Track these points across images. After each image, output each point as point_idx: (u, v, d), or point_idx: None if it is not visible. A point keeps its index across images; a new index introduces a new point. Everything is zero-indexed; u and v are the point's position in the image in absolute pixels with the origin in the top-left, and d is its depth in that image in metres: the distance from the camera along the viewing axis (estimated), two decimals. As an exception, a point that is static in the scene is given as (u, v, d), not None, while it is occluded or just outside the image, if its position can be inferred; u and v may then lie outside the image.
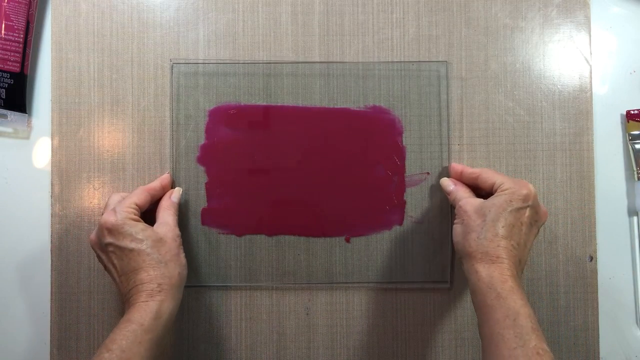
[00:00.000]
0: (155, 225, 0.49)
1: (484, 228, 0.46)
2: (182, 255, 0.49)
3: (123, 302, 0.47)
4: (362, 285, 0.56)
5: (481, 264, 0.45)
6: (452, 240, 0.55)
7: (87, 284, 0.55)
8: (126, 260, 0.46)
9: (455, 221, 0.49)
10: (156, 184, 0.53)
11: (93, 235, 0.48)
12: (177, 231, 0.50)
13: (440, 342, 0.56)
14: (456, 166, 0.54)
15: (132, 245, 0.46)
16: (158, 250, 0.47)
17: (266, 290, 0.56)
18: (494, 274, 0.44)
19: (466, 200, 0.49)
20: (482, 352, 0.43)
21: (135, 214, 0.48)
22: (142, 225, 0.48)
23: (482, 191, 0.51)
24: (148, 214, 0.51)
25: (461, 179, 0.53)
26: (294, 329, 0.56)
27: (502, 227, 0.45)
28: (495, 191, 0.48)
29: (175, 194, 0.53)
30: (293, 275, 0.55)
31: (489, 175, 0.50)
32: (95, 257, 0.54)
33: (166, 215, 0.51)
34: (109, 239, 0.47)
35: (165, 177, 0.54)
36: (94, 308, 0.55)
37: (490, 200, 0.47)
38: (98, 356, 0.42)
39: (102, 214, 0.49)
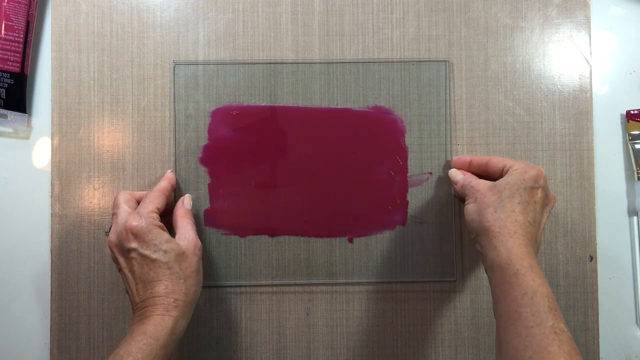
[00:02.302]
0: (177, 237, 0.49)
1: (500, 203, 0.46)
2: (201, 271, 0.49)
3: (133, 309, 0.46)
4: (362, 285, 0.56)
5: (499, 239, 0.44)
6: (455, 239, 0.55)
7: (87, 284, 0.55)
8: (146, 270, 0.46)
9: (467, 201, 0.49)
10: (166, 184, 0.52)
11: (113, 237, 0.47)
12: (198, 243, 0.49)
13: (440, 342, 0.56)
14: (463, 157, 0.54)
15: (155, 255, 0.46)
16: (179, 265, 0.46)
17: (266, 290, 0.56)
18: (513, 249, 0.43)
19: (478, 181, 0.50)
20: (497, 332, 0.42)
21: (159, 220, 0.48)
22: (167, 235, 0.47)
23: (491, 178, 0.51)
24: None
25: (469, 169, 0.53)
26: (294, 329, 0.56)
27: (518, 203, 0.46)
28: (506, 173, 0.48)
29: (187, 200, 0.53)
30: (293, 275, 0.55)
31: (499, 159, 0.51)
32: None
33: (185, 224, 0.50)
34: (133, 244, 0.46)
35: (171, 177, 0.54)
36: (94, 308, 0.55)
37: (504, 179, 0.48)
38: None
39: (116, 214, 0.48)
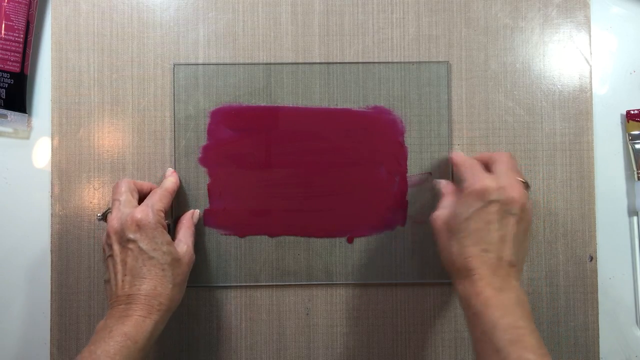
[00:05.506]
0: (176, 242, 0.49)
1: (450, 244, 0.45)
2: (185, 284, 0.49)
3: (112, 301, 0.45)
4: (362, 285, 0.56)
5: (458, 282, 0.44)
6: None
7: (87, 284, 0.55)
8: (140, 264, 0.45)
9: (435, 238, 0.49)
10: (174, 186, 0.52)
11: (116, 223, 0.46)
12: (193, 257, 0.50)
13: (440, 342, 0.56)
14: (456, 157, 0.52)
15: (153, 253, 0.46)
16: (172, 270, 0.46)
17: (266, 290, 0.56)
18: (468, 290, 0.43)
19: (436, 215, 0.48)
20: None
21: (165, 220, 0.48)
22: (168, 237, 0.47)
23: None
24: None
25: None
26: (294, 329, 0.56)
27: (465, 237, 0.44)
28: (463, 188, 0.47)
29: (196, 216, 0.54)
30: (293, 275, 0.55)
31: (459, 172, 0.49)
32: (101, 250, 0.54)
33: (188, 234, 0.51)
34: (135, 235, 0.46)
35: (177, 179, 0.54)
36: (94, 308, 0.55)
37: (456, 208, 0.46)
38: None
39: (119, 201, 0.48)
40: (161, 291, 0.45)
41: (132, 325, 0.43)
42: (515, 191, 0.45)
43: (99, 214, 0.52)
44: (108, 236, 0.47)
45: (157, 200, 0.49)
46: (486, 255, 0.43)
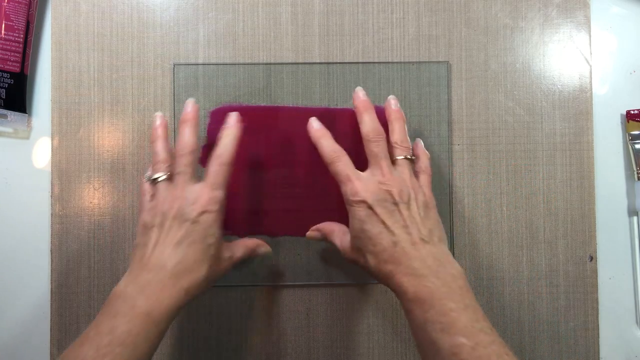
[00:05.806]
0: (227, 244, 0.47)
1: (368, 262, 0.45)
2: (211, 284, 0.46)
3: (139, 264, 0.43)
4: (362, 285, 0.56)
5: (391, 290, 0.44)
6: (453, 239, 0.55)
7: (87, 284, 0.55)
8: (185, 245, 0.43)
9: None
10: (233, 149, 0.47)
11: (178, 205, 0.44)
12: (229, 269, 0.47)
13: (441, 342, 0.56)
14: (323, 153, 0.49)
15: (201, 241, 0.43)
16: (210, 264, 0.44)
17: (266, 290, 0.56)
18: (397, 293, 0.43)
19: (343, 248, 0.48)
20: None
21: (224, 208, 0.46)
22: (221, 235, 0.45)
23: None
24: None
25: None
26: (294, 329, 0.56)
27: (374, 246, 0.44)
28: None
29: (264, 250, 0.52)
30: (293, 275, 0.55)
31: (333, 173, 0.48)
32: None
33: (240, 252, 0.49)
34: (195, 218, 0.43)
35: (234, 136, 0.48)
36: (94, 308, 0.55)
37: (350, 227, 0.46)
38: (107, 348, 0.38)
39: (186, 174, 0.45)
40: (194, 278, 0.43)
41: (157, 302, 0.41)
42: (391, 184, 0.45)
43: (151, 176, 0.46)
44: (164, 214, 0.44)
45: (223, 185, 0.45)
46: (398, 248, 0.43)
